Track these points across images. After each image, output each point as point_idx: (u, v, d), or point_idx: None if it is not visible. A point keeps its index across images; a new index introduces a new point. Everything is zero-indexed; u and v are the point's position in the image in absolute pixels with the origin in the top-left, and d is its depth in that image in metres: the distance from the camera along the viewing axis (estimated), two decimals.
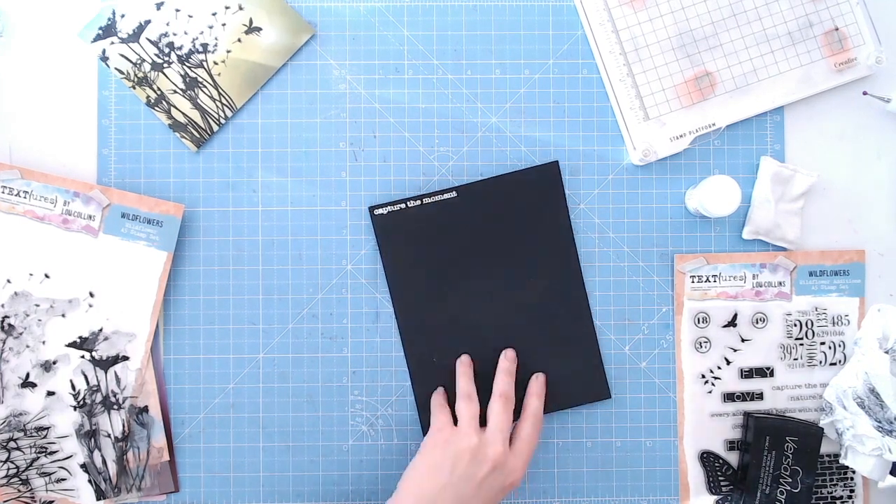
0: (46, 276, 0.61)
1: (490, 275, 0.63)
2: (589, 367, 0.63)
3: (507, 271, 0.63)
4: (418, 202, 0.62)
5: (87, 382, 0.61)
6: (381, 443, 0.64)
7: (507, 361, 0.61)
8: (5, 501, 0.61)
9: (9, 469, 0.61)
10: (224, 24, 0.63)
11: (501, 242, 0.63)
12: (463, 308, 0.62)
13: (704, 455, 0.64)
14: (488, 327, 0.63)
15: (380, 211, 0.62)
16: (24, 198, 0.61)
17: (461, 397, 0.59)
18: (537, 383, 0.62)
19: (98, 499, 0.61)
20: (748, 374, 0.64)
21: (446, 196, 0.62)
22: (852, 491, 0.64)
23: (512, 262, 0.63)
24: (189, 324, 0.63)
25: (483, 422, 0.59)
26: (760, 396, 0.64)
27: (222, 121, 0.63)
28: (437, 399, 0.61)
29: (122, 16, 0.63)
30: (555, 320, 0.63)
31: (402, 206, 0.62)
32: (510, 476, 0.57)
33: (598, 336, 0.64)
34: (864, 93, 0.64)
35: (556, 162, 0.63)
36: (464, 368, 0.61)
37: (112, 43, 0.63)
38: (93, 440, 0.61)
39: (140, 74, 0.63)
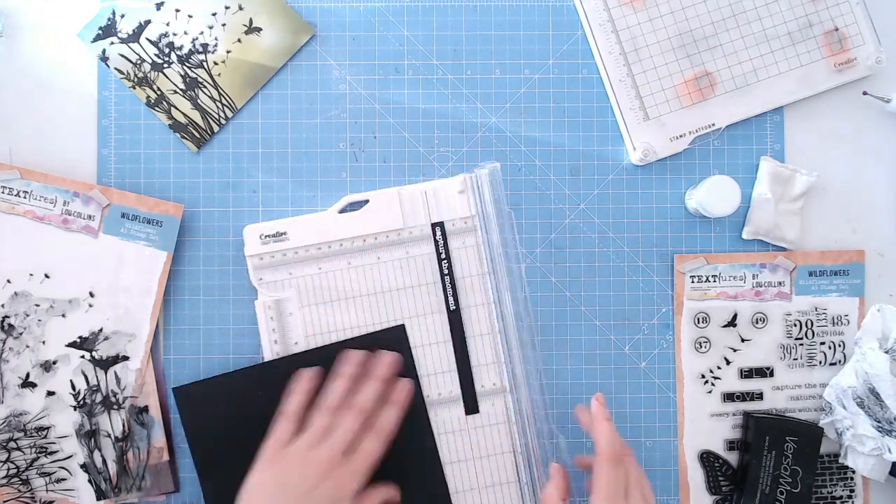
0: (46, 276, 0.61)
1: None
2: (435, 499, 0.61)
3: None
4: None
5: (87, 382, 0.61)
6: None
7: (385, 365, 0.59)
8: (5, 501, 0.61)
9: (9, 469, 0.61)
10: (224, 25, 0.63)
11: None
12: None
13: (704, 455, 0.64)
14: None
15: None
16: (24, 198, 0.61)
17: (318, 409, 0.57)
18: (400, 390, 0.59)
19: (98, 499, 0.61)
20: (748, 374, 0.64)
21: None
22: (852, 491, 0.64)
23: None
24: (189, 324, 0.63)
25: None
26: (760, 396, 0.64)
27: (222, 121, 0.63)
28: (288, 406, 0.58)
29: (122, 16, 0.63)
30: (400, 462, 0.60)
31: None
32: (342, 488, 0.54)
33: (598, 336, 0.64)
34: (864, 93, 0.64)
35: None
36: (350, 369, 0.59)
37: (112, 43, 0.63)
38: (93, 440, 0.61)
39: (140, 74, 0.63)
